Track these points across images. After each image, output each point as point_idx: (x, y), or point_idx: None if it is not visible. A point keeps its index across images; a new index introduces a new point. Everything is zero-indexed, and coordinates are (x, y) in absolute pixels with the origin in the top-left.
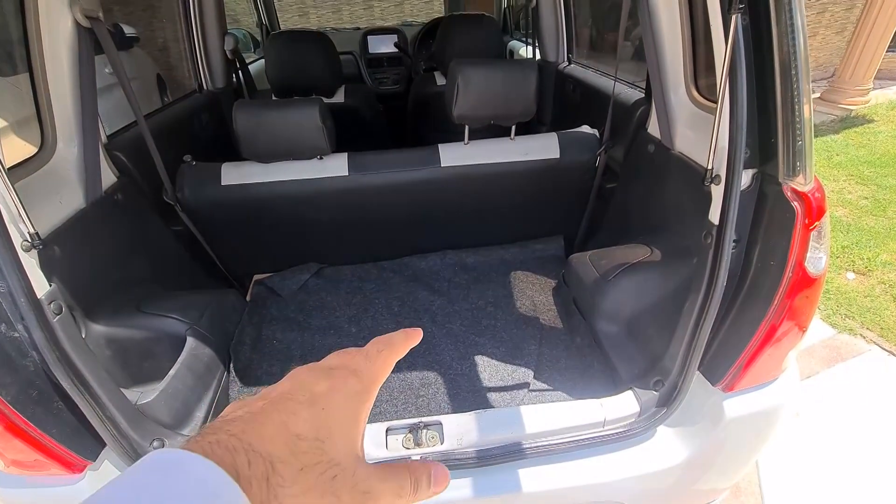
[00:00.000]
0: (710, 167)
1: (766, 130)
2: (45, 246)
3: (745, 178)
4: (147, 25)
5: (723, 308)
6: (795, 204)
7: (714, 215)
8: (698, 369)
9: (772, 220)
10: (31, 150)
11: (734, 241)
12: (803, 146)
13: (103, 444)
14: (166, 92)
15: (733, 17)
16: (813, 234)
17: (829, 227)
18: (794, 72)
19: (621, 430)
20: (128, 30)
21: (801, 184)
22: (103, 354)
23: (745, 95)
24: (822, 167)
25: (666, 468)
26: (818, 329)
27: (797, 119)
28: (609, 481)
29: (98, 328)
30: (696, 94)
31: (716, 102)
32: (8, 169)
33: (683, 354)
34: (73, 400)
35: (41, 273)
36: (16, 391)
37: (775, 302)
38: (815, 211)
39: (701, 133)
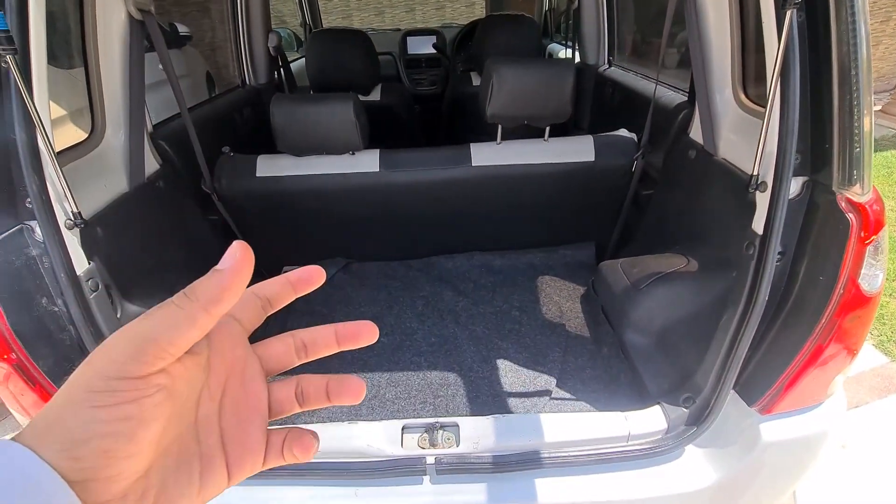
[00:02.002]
0: (755, 173)
1: (819, 135)
2: (87, 226)
3: (795, 185)
4: (196, 23)
5: (763, 324)
6: (851, 215)
7: (758, 225)
8: (733, 388)
9: (822, 231)
10: (81, 135)
11: (779, 252)
12: (861, 153)
13: None
14: (215, 89)
15: (788, 12)
16: (869, 248)
17: (887, 242)
18: (854, 72)
19: (647, 446)
20: (182, 29)
21: (858, 194)
22: None
23: (797, 97)
24: (882, 184)
25: (693, 491)
26: (869, 356)
27: (856, 123)
28: (631, 500)
29: (133, 308)
30: (743, 97)
31: (765, 106)
32: (59, 152)
33: (718, 371)
34: None
35: (81, 251)
36: (52, 363)
37: (823, 321)
38: (872, 224)
39: (747, 139)
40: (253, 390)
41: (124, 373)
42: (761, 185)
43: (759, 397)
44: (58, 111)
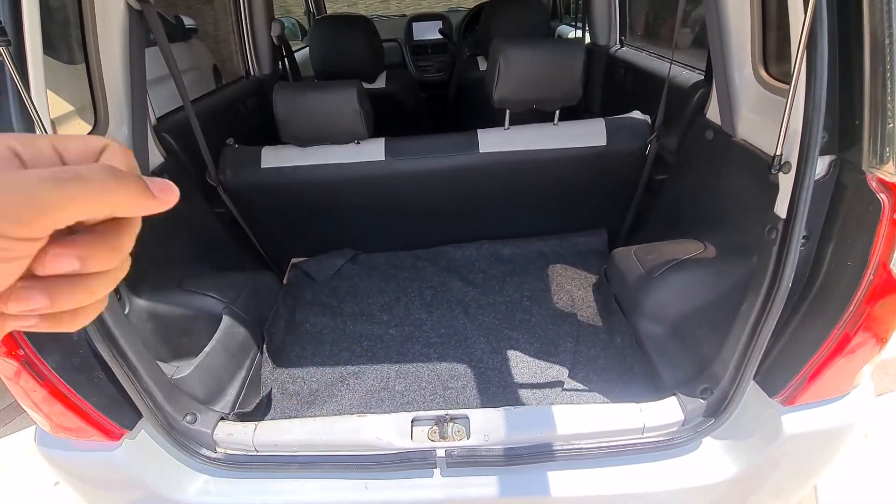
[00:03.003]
0: (778, 152)
1: (847, 111)
2: None
3: (821, 165)
4: (201, 15)
5: (786, 312)
6: (882, 196)
7: (781, 208)
8: (753, 378)
9: (851, 214)
10: (87, 129)
11: (804, 237)
12: (895, 129)
13: (140, 415)
14: (221, 81)
15: None
16: None
17: None
18: (888, 41)
19: (663, 438)
20: (187, 21)
21: (891, 173)
22: (145, 328)
23: (825, 70)
24: None
25: (710, 484)
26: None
27: (889, 97)
28: (646, 493)
29: (141, 302)
30: (764, 74)
31: (788, 83)
32: None
33: (737, 361)
34: (112, 370)
35: None
36: (59, 358)
37: (851, 308)
38: None
39: (769, 118)
40: None
41: None
42: (785, 166)
43: (781, 388)
44: (64, 106)
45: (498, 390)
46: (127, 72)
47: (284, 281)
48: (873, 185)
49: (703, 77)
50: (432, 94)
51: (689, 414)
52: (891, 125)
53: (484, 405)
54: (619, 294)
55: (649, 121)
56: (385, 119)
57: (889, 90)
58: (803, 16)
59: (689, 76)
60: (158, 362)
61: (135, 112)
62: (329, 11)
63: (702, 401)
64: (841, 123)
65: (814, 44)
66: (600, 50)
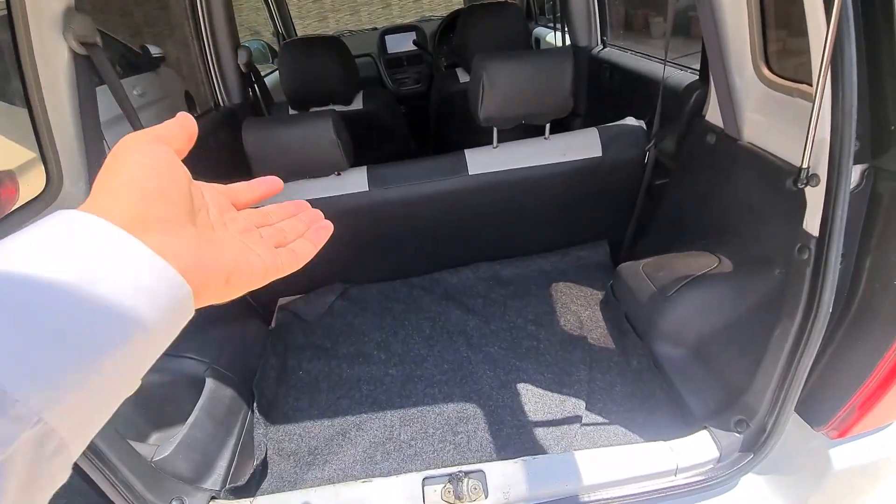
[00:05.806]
0: (805, 165)
1: (878, 115)
2: None
3: (853, 175)
4: (168, 44)
5: (824, 336)
6: None
7: (811, 224)
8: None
9: (890, 226)
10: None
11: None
12: None
13: None
14: (195, 108)
15: None
16: None
17: None
18: None
19: (698, 478)
20: (154, 50)
21: None
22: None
23: (854, 78)
24: None
25: None
26: None
27: None
28: None
29: None
30: (767, 72)
31: (796, 82)
32: (12, 212)
33: (775, 391)
34: (83, 470)
35: None
36: None
37: None
38: None
39: (777, 119)
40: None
41: None
42: (812, 179)
43: (827, 419)
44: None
45: (512, 431)
46: (78, 123)
47: (272, 324)
48: None
49: (697, 77)
50: (412, 107)
51: (724, 450)
52: None
53: (499, 451)
54: (629, 313)
55: (644, 126)
56: (366, 140)
57: None
58: (825, 21)
59: (682, 77)
60: (137, 443)
61: (90, 165)
62: (299, 28)
63: (737, 434)
64: (872, 129)
65: (840, 50)
66: (582, 52)
